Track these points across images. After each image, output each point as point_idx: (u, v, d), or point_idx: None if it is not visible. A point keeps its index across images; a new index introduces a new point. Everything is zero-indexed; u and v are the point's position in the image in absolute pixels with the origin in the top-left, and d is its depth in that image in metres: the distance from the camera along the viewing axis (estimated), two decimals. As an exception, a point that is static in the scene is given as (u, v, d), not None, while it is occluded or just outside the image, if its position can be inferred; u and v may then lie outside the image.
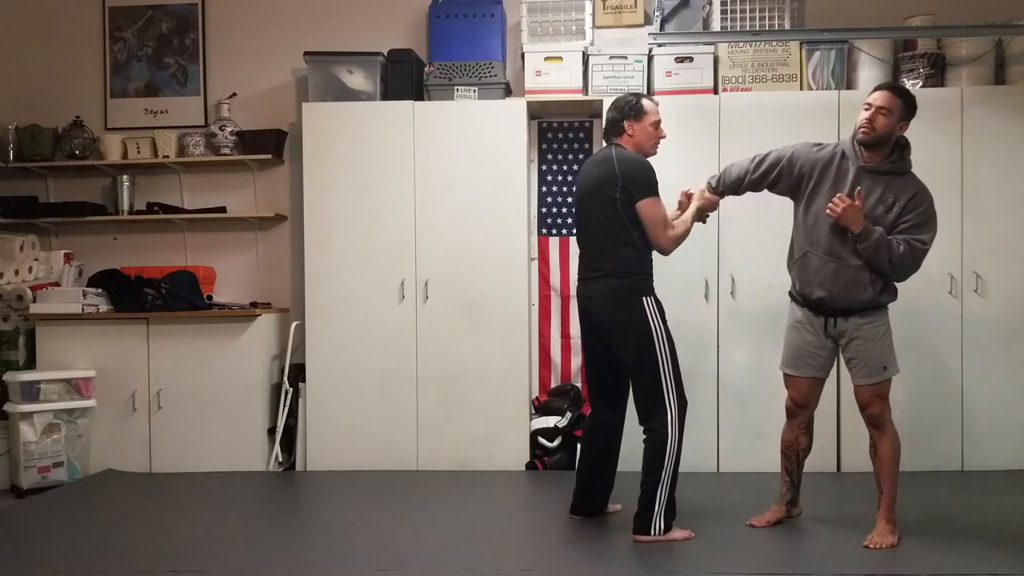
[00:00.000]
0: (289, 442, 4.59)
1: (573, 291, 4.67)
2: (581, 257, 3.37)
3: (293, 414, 4.59)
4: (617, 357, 3.25)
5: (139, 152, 4.81)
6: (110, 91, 5.01)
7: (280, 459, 4.53)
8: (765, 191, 3.35)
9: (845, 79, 4.38)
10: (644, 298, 3.18)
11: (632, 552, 3.10)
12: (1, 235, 4.69)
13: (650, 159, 3.29)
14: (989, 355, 4.19)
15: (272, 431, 4.56)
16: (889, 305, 3.17)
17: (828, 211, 3.01)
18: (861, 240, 2.99)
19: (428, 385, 4.44)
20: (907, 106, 3.06)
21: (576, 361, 4.73)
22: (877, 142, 3.05)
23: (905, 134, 3.13)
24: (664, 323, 3.19)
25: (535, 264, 4.70)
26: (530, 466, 4.40)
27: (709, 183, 3.41)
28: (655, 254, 3.27)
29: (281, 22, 4.94)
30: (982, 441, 4.21)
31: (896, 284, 3.15)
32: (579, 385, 4.68)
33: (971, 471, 4.17)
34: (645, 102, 3.30)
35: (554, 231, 4.75)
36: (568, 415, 4.42)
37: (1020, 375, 4.23)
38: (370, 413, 4.44)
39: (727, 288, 4.28)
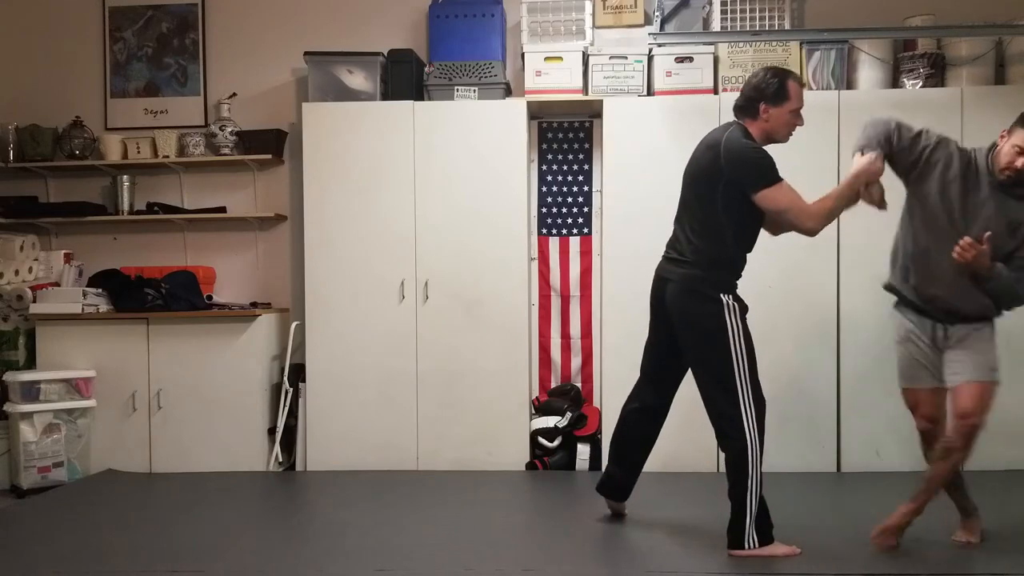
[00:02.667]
0: (289, 442, 4.59)
1: (573, 291, 4.71)
2: (672, 237, 3.18)
3: (293, 414, 4.59)
4: (682, 347, 3.10)
5: (139, 152, 4.81)
6: (110, 91, 5.01)
7: (280, 459, 4.53)
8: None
9: (845, 79, 4.37)
10: (723, 295, 3.00)
11: (632, 552, 3.10)
12: (1, 235, 4.69)
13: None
14: (989, 355, 4.19)
15: (272, 431, 4.56)
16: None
17: (956, 256, 2.85)
18: (987, 280, 2.90)
19: (428, 385, 4.44)
20: None
21: (576, 361, 4.73)
22: (1017, 183, 2.91)
23: None
24: (743, 322, 3.01)
25: (535, 264, 4.70)
26: (530, 466, 4.41)
27: (860, 148, 2.98)
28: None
29: (281, 22, 4.94)
30: (982, 441, 4.18)
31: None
32: (579, 385, 4.68)
33: (971, 471, 4.16)
34: (791, 84, 2.99)
35: (554, 231, 4.75)
36: (568, 415, 4.42)
37: (1020, 375, 4.22)
38: (370, 413, 4.44)
39: (727, 288, 4.27)
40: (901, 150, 2.98)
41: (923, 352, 3.03)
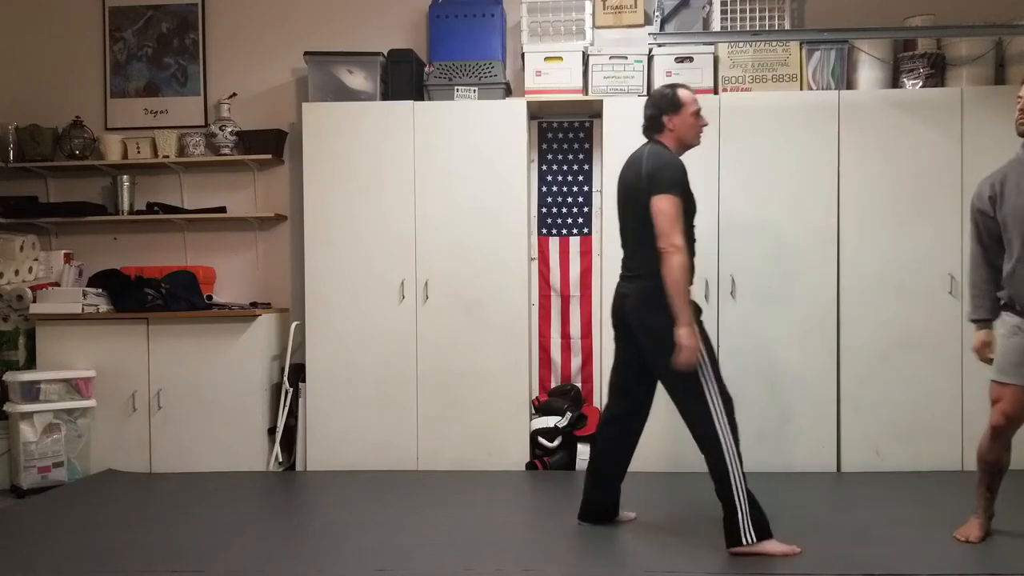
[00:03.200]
0: (289, 442, 4.59)
1: (573, 291, 4.72)
2: (623, 259, 3.31)
3: (293, 414, 4.59)
4: (646, 359, 3.19)
5: (139, 152, 4.81)
6: (110, 91, 5.01)
7: (280, 459, 4.53)
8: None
9: (845, 79, 4.37)
10: None
11: (632, 552, 3.10)
12: (1, 235, 4.69)
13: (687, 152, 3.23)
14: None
15: (272, 431, 4.56)
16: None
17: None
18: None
19: (428, 385, 4.44)
20: None
21: (576, 361, 4.73)
22: None
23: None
24: (699, 325, 3.09)
25: (535, 264, 4.70)
26: (530, 466, 4.41)
27: (971, 318, 3.20)
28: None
29: (281, 22, 4.94)
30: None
31: None
32: (579, 385, 4.68)
33: (971, 471, 4.16)
34: (681, 92, 3.21)
35: (554, 231, 4.75)
36: (568, 415, 4.42)
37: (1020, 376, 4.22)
38: (370, 413, 4.44)
39: (727, 288, 4.28)
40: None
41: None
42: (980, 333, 3.15)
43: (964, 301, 4.18)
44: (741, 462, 3.03)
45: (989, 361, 3.11)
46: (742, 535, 2.97)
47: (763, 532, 2.99)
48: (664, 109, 3.20)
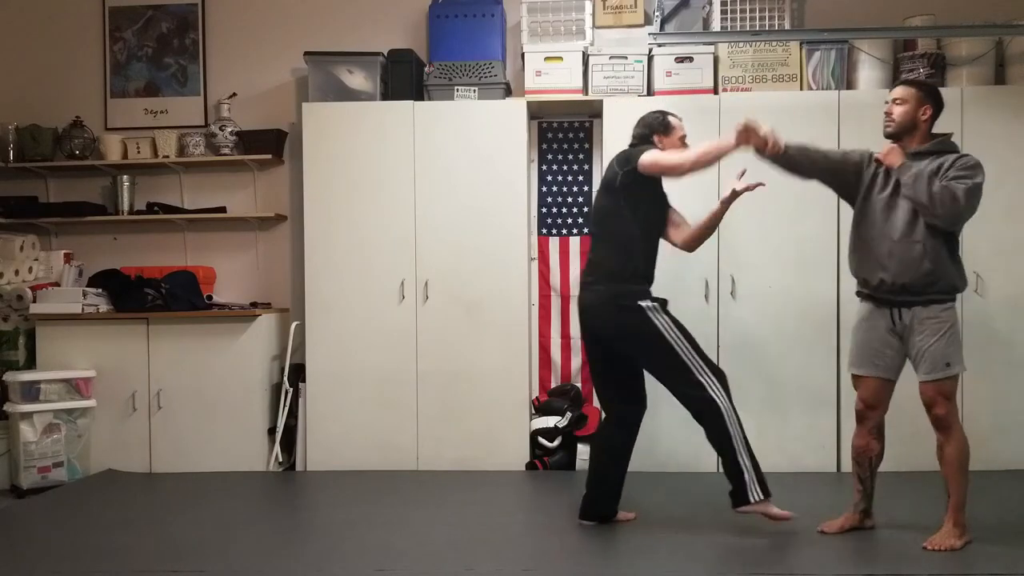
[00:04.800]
0: (289, 442, 4.59)
1: (573, 291, 4.71)
2: (585, 265, 3.44)
3: (293, 414, 4.59)
4: (628, 360, 3.29)
5: (139, 152, 4.81)
6: (110, 91, 5.01)
7: (280, 459, 4.53)
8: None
9: (845, 79, 4.38)
10: (640, 302, 3.21)
11: (632, 552, 3.10)
12: (1, 235, 4.69)
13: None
14: (989, 355, 4.18)
15: (272, 431, 4.56)
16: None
17: (877, 157, 3.10)
18: (901, 173, 3.04)
19: (428, 385, 4.44)
20: (923, 92, 3.14)
21: (576, 361, 4.73)
22: (900, 131, 3.12)
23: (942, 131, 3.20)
24: (669, 316, 3.22)
25: (535, 264, 4.70)
26: (530, 466, 4.41)
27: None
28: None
29: (281, 22, 4.94)
30: (982, 441, 4.19)
31: (957, 268, 3.10)
32: (579, 385, 4.68)
33: (972, 471, 4.16)
34: (671, 119, 3.39)
35: (554, 231, 4.75)
36: (568, 415, 4.42)
37: (1020, 375, 4.23)
38: (370, 413, 4.44)
39: (727, 288, 4.28)
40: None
41: (875, 339, 3.16)
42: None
43: (963, 300, 4.19)
44: (741, 425, 3.17)
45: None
46: (750, 494, 3.12)
47: (767, 491, 3.14)
48: (656, 129, 3.36)
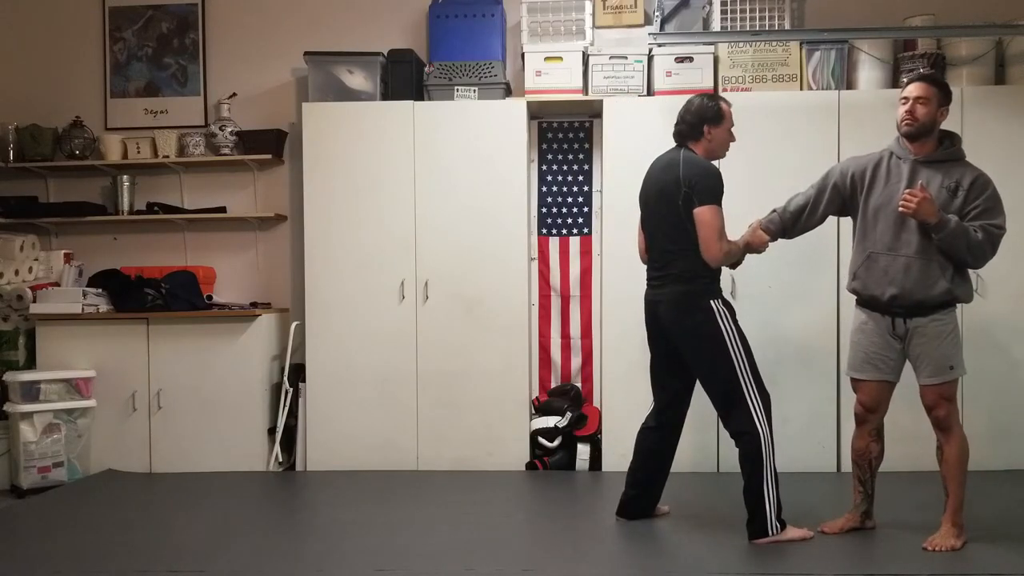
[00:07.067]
0: (289, 442, 4.59)
1: (573, 291, 4.71)
2: (648, 261, 3.36)
3: (293, 414, 4.59)
4: (687, 362, 3.25)
5: (139, 152, 4.81)
6: (110, 91, 5.01)
7: (280, 459, 4.53)
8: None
9: (845, 79, 4.37)
10: (711, 302, 3.16)
11: (632, 552, 3.10)
12: (1, 235, 4.69)
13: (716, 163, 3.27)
14: (989, 355, 4.19)
15: (272, 431, 4.56)
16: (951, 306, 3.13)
17: (902, 207, 2.96)
18: (938, 231, 2.95)
19: (428, 385, 4.44)
20: (943, 93, 3.09)
21: (576, 361, 4.73)
22: (921, 132, 3.06)
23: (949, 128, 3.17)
24: (735, 323, 3.17)
25: (535, 264, 4.70)
26: (530, 466, 4.41)
27: (765, 224, 3.37)
28: None
29: (281, 22, 4.94)
30: (982, 441, 4.19)
31: (968, 285, 3.10)
32: (579, 385, 4.68)
33: (972, 471, 4.16)
34: (724, 106, 3.27)
35: (554, 231, 4.75)
36: (568, 415, 4.41)
37: (1020, 375, 4.23)
38: (370, 413, 4.44)
39: (727, 288, 4.26)
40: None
41: (875, 344, 3.15)
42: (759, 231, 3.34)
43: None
44: (774, 454, 3.12)
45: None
46: (770, 528, 3.08)
47: (783, 522, 3.12)
48: (708, 119, 3.22)
